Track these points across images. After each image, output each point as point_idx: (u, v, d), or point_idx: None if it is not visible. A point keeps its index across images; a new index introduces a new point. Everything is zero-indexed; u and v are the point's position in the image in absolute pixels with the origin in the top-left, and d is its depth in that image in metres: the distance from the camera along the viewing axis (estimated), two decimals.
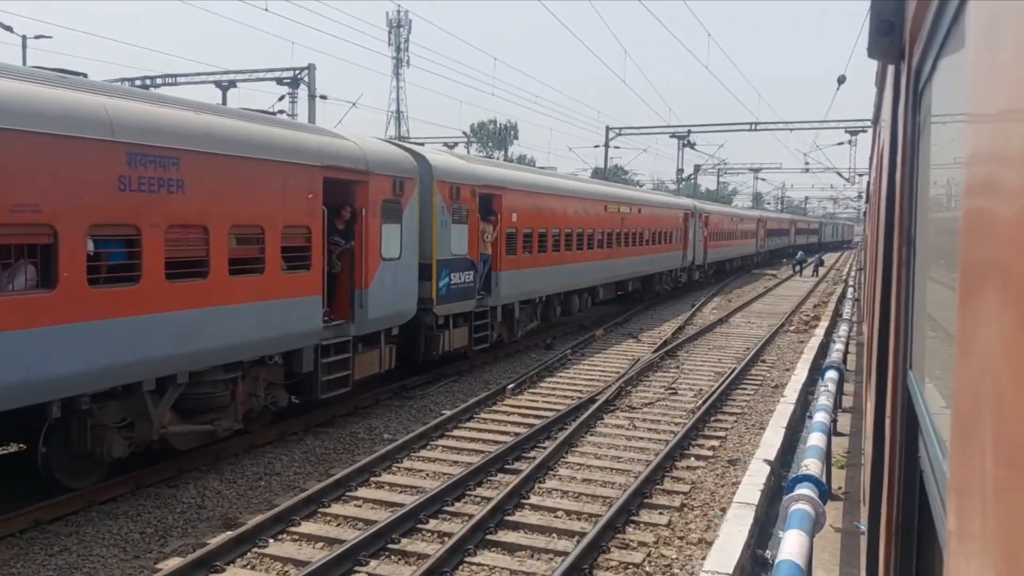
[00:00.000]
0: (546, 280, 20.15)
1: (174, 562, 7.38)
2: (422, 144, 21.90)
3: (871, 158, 11.49)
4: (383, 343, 13.66)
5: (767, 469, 9.25)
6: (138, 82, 32.62)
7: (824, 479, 7.27)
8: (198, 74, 33.66)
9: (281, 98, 32.72)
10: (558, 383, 16.03)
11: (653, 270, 30.18)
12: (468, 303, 16.36)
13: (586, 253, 22.84)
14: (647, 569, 7.75)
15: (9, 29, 30.76)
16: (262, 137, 10.61)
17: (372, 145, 13.61)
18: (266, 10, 28.58)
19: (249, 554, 7.78)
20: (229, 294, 9.91)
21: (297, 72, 32.18)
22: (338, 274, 12.65)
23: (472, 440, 11.85)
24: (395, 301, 13.62)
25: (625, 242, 26.22)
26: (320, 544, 8.07)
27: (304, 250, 11.31)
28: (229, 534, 7.96)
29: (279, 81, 32.65)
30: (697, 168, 65.38)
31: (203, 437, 10.32)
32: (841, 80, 24.44)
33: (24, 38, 31.37)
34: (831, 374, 11.04)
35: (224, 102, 31.43)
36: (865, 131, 42.94)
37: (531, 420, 12.88)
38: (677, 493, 9.80)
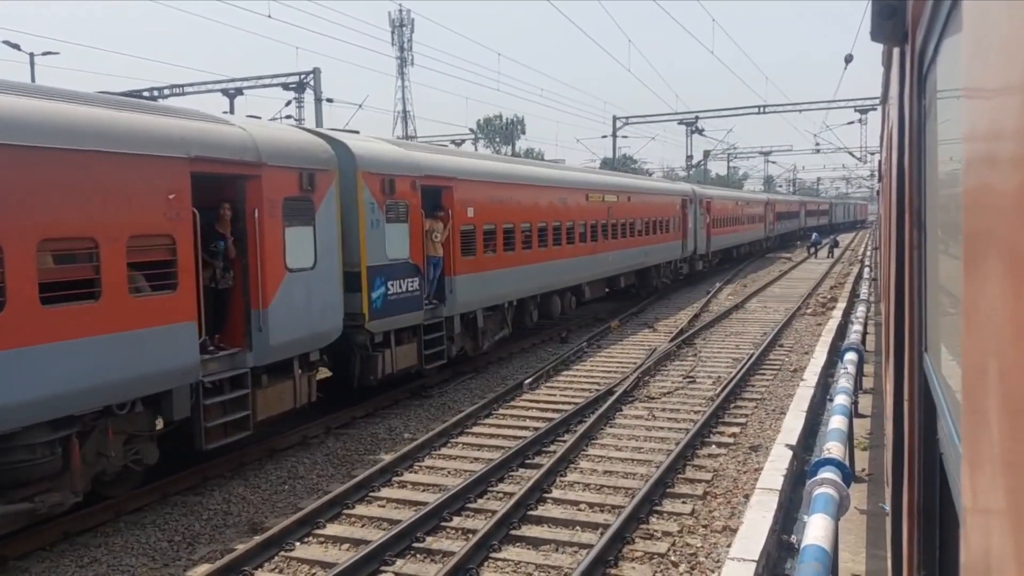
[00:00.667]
0: (516, 282, 17.80)
1: (203, 569, 7.46)
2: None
3: (881, 137, 11.41)
4: (297, 372, 11.28)
5: (789, 454, 9.22)
6: (145, 94, 32.82)
7: (847, 462, 7.25)
8: (204, 83, 33.85)
9: (288, 103, 32.87)
10: (575, 376, 16.03)
11: (649, 263, 27.77)
12: (413, 315, 13.89)
13: (565, 249, 20.54)
14: (672, 558, 7.75)
15: (16, 47, 31.03)
16: (89, 123, 8.25)
17: (267, 131, 11.30)
18: (269, 16, 28.69)
19: (276, 558, 7.85)
20: (42, 330, 7.62)
21: (303, 77, 32.29)
22: (229, 291, 10.55)
23: (492, 436, 11.89)
24: (310, 320, 11.30)
25: (613, 234, 23.92)
26: (346, 545, 8.13)
27: (166, 266, 9.08)
28: (256, 539, 8.03)
29: (285, 86, 32.78)
30: (706, 154, 65.11)
31: (23, 518, 7.96)
32: (848, 59, 24.24)
33: (32, 55, 31.64)
34: (850, 356, 11.00)
35: (232, 110, 31.59)
36: (875, 109, 42.60)
37: (550, 414, 12.89)
38: (699, 481, 9.80)
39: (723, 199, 41.08)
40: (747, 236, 47.37)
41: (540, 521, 8.64)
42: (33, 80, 29.30)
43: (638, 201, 26.55)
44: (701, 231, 34.60)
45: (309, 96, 32.51)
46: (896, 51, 2.86)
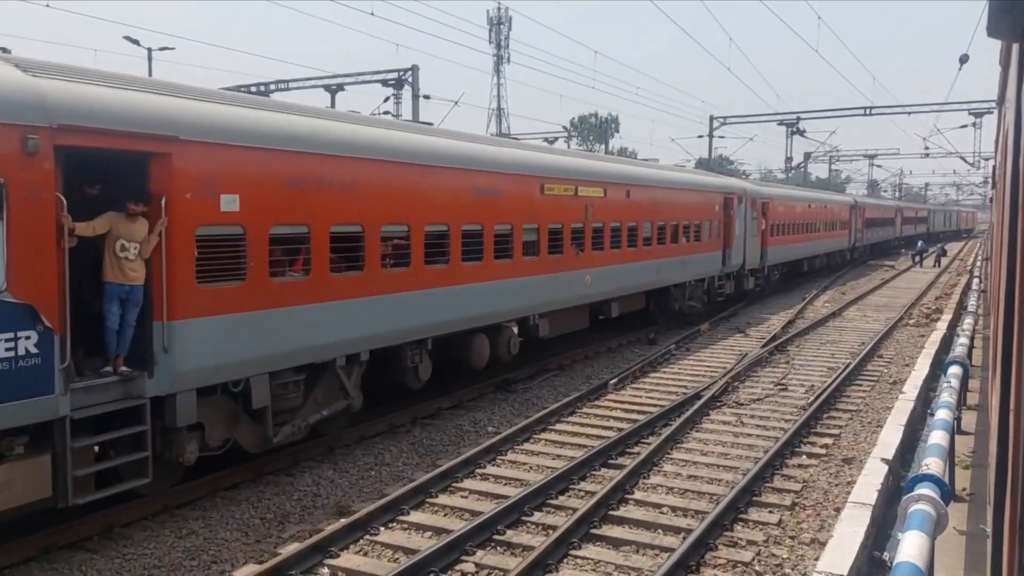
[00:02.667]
0: (366, 318, 10.84)
1: (292, 547, 7.72)
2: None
3: (996, 141, 10.83)
4: None
5: (884, 468, 8.88)
6: (252, 89, 34.13)
7: (947, 479, 6.94)
8: (308, 79, 34.91)
9: (386, 99, 33.57)
10: (662, 378, 15.84)
11: (665, 281, 20.82)
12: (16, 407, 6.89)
13: (490, 266, 13.47)
14: (757, 568, 7.58)
15: (136, 43, 32.74)
16: None
17: None
18: (372, 14, 29.36)
19: (361, 541, 8.06)
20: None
21: (401, 73, 32.91)
22: None
23: (575, 434, 11.87)
24: None
25: (597, 243, 17.08)
26: (428, 533, 8.27)
27: None
28: (343, 521, 8.26)
29: (384, 83, 33.48)
30: (807, 156, 63.15)
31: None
32: (964, 59, 23.10)
33: (150, 50, 33.33)
34: (954, 369, 10.52)
35: (333, 105, 32.50)
36: (990, 112, 40.44)
37: (634, 415, 12.78)
38: (788, 492, 9.54)
39: (787, 200, 33.24)
40: (823, 246, 39.51)
41: (621, 522, 8.58)
42: (150, 74, 30.88)
43: (643, 198, 19.36)
44: (753, 239, 27.42)
45: (407, 93, 33.15)
46: (1016, 48, 2.72)
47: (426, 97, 32.78)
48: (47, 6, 30.05)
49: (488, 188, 13.49)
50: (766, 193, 30.37)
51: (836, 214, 42.00)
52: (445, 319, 12.54)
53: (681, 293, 22.26)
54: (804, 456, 10.94)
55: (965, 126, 47.10)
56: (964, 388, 11.79)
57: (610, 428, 12.12)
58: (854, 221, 46.11)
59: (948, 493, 5.67)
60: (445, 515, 8.79)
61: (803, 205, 35.45)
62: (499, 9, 67.73)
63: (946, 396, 9.05)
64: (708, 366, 16.90)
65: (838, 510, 8.53)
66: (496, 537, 8.11)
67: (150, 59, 33.30)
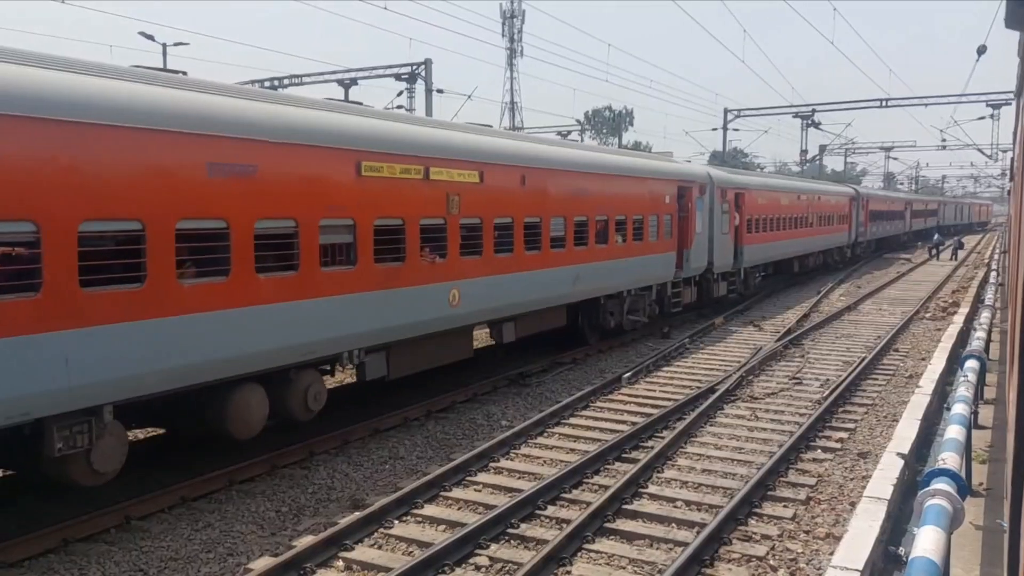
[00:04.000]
0: None
1: (307, 539, 7.77)
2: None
3: (1015, 133, 10.72)
4: None
5: (900, 463, 8.83)
6: (266, 83, 34.23)
7: (964, 474, 6.90)
8: (321, 73, 34.97)
9: (399, 93, 33.60)
10: (676, 372, 15.80)
11: (588, 292, 16.56)
12: None
13: (248, 286, 8.97)
14: (771, 562, 7.56)
15: (151, 38, 32.88)
16: None
17: None
18: (385, 8, 29.36)
19: (376, 534, 8.09)
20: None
21: (414, 67, 32.93)
22: None
23: (588, 428, 11.87)
24: None
25: (474, 245, 12.88)
26: (442, 526, 8.30)
27: None
28: (357, 514, 8.30)
29: (398, 77, 33.51)
30: (823, 148, 62.76)
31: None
32: (981, 50, 22.83)
33: (164, 46, 33.47)
34: (971, 363, 10.45)
35: (346, 99, 32.53)
36: (1008, 104, 40.03)
37: (648, 409, 12.76)
38: (803, 486, 9.50)
39: (769, 190, 28.65)
40: (817, 243, 34.99)
41: (635, 516, 8.58)
42: (165, 67, 31.01)
43: (550, 186, 14.89)
44: (724, 237, 23.22)
45: (420, 87, 33.16)
46: None
47: (439, 91, 32.79)
48: (62, 2, 30.16)
49: (233, 165, 8.70)
50: (739, 182, 25.28)
51: (833, 207, 37.54)
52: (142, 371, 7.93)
53: (618, 305, 18.17)
54: (819, 450, 10.89)
55: (983, 118, 46.60)
56: (981, 382, 11.70)
57: (624, 422, 12.11)
58: (855, 214, 41.60)
59: (964, 488, 5.63)
60: (459, 508, 8.81)
61: (790, 196, 30.68)
62: (512, 3, 67.63)
63: (963, 390, 8.98)
64: (722, 360, 16.84)
65: (853, 504, 8.49)
66: (510, 531, 8.12)
67: (165, 54, 33.44)
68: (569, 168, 15.76)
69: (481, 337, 16.26)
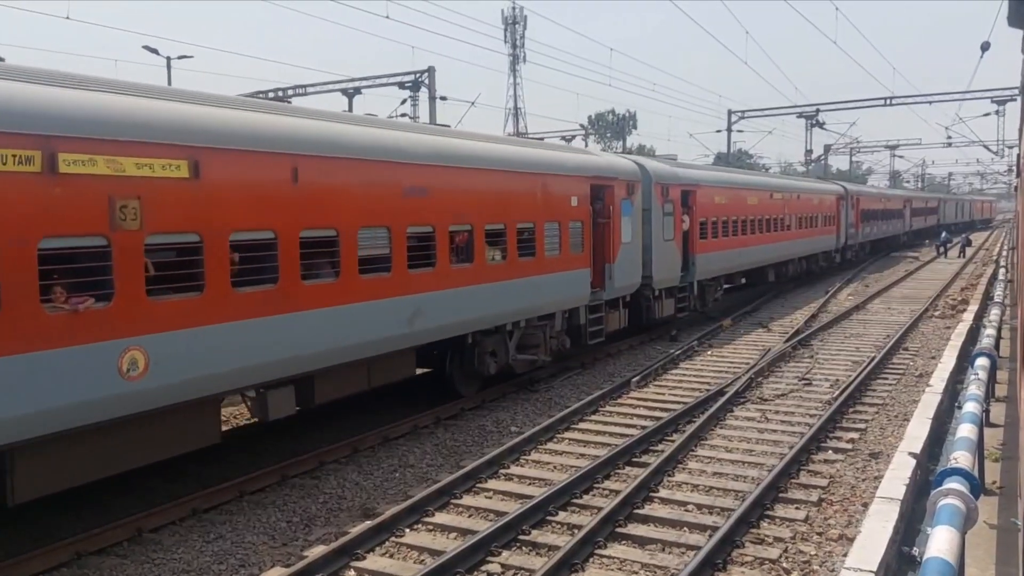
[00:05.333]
0: None
1: (318, 549, 7.77)
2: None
3: (1020, 129, 10.68)
4: None
5: (912, 462, 8.78)
6: (270, 94, 34.36)
7: (976, 472, 6.86)
8: (325, 83, 35.11)
9: (403, 101, 33.69)
10: (684, 375, 15.77)
11: (448, 330, 12.27)
12: None
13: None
14: (784, 565, 7.53)
15: (155, 52, 33.05)
16: None
17: None
18: (387, 17, 29.48)
19: (387, 543, 8.09)
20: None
21: (418, 75, 33.01)
22: None
23: (598, 433, 11.85)
24: None
25: (301, 271, 9.58)
26: (453, 534, 8.29)
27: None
28: (368, 523, 8.30)
29: (401, 85, 33.59)
30: (827, 148, 62.65)
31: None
32: (985, 47, 22.79)
33: (169, 59, 33.63)
34: (982, 361, 10.39)
35: (350, 109, 32.66)
36: (1014, 100, 39.91)
37: (658, 413, 12.73)
38: (814, 487, 9.46)
39: (730, 187, 23.89)
40: (796, 248, 30.43)
41: (646, 520, 8.55)
42: (169, 82, 31.20)
43: (350, 182, 10.38)
44: (667, 245, 19.14)
45: (424, 94, 33.24)
46: None
47: (443, 98, 32.85)
48: (66, 18, 30.41)
49: None
50: (688, 177, 20.94)
51: (817, 206, 33.24)
52: None
53: (501, 342, 13.72)
54: (830, 451, 10.84)
55: (988, 114, 46.52)
56: (992, 380, 11.64)
57: (633, 426, 12.08)
58: (844, 214, 37.41)
59: (977, 487, 5.60)
60: (470, 516, 8.80)
61: (761, 195, 26.59)
62: (514, 9, 67.78)
63: (974, 388, 8.94)
64: (731, 362, 16.80)
65: (866, 505, 8.45)
66: (521, 537, 8.10)
67: (169, 68, 33.61)
68: (391, 158, 10.93)
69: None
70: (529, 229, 14.04)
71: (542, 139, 17.52)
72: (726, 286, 25.98)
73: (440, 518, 8.68)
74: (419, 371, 13.30)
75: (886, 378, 15.19)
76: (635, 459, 10.47)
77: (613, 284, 16.85)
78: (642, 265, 18.10)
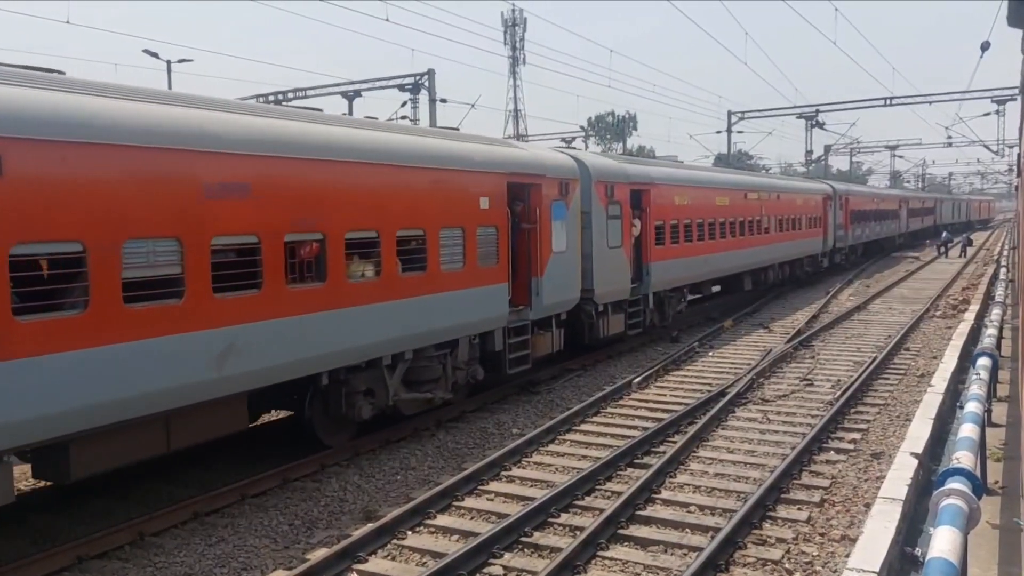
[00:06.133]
0: None
1: (321, 552, 7.76)
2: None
3: (1020, 128, 10.69)
4: None
5: (914, 462, 8.77)
6: (271, 98, 34.41)
7: (979, 472, 6.85)
8: (326, 86, 35.14)
9: (403, 104, 33.73)
10: (686, 376, 15.76)
11: (295, 367, 9.53)
12: None
13: None
14: (787, 566, 7.52)
15: (155, 56, 33.09)
16: None
17: None
18: (387, 20, 29.52)
19: (389, 545, 8.08)
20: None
21: (418, 78, 33.07)
22: None
23: (599, 434, 11.84)
24: None
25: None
26: (455, 536, 8.28)
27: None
28: (370, 526, 8.29)
29: (401, 88, 33.66)
30: (827, 149, 62.68)
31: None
32: (985, 47, 22.79)
33: (169, 63, 33.67)
34: (983, 361, 10.39)
35: (350, 111, 32.70)
36: (1014, 100, 39.93)
37: (659, 414, 12.73)
38: (816, 488, 9.45)
39: (692, 185, 21.31)
40: (776, 252, 28.03)
41: (648, 521, 8.55)
42: (170, 86, 31.23)
43: (119, 177, 7.54)
44: (613, 252, 16.71)
45: (424, 97, 33.27)
46: None
47: (443, 101, 32.90)
48: (67, 22, 30.46)
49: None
50: (638, 174, 18.24)
51: (800, 207, 30.76)
52: None
53: (378, 379, 11.00)
54: (832, 452, 10.84)
55: (988, 114, 46.56)
56: (994, 380, 11.63)
57: (635, 427, 12.07)
58: (832, 215, 35.07)
59: (980, 487, 5.60)
60: (472, 518, 8.80)
61: (733, 195, 24.07)
62: (513, 11, 67.85)
63: (976, 388, 8.93)
64: (732, 363, 16.79)
65: (868, 506, 8.44)
66: (523, 539, 8.10)
67: (169, 71, 33.65)
68: (183, 145, 8.19)
69: None
70: (417, 237, 11.36)
71: (457, 128, 13.73)
72: (694, 296, 24.09)
73: (442, 520, 8.68)
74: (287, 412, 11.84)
75: (887, 378, 15.18)
76: (637, 460, 10.46)
77: (541, 301, 14.12)
78: (581, 277, 15.53)
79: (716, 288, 25.67)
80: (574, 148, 19.17)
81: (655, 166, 21.18)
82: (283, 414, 12.50)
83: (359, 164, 10.39)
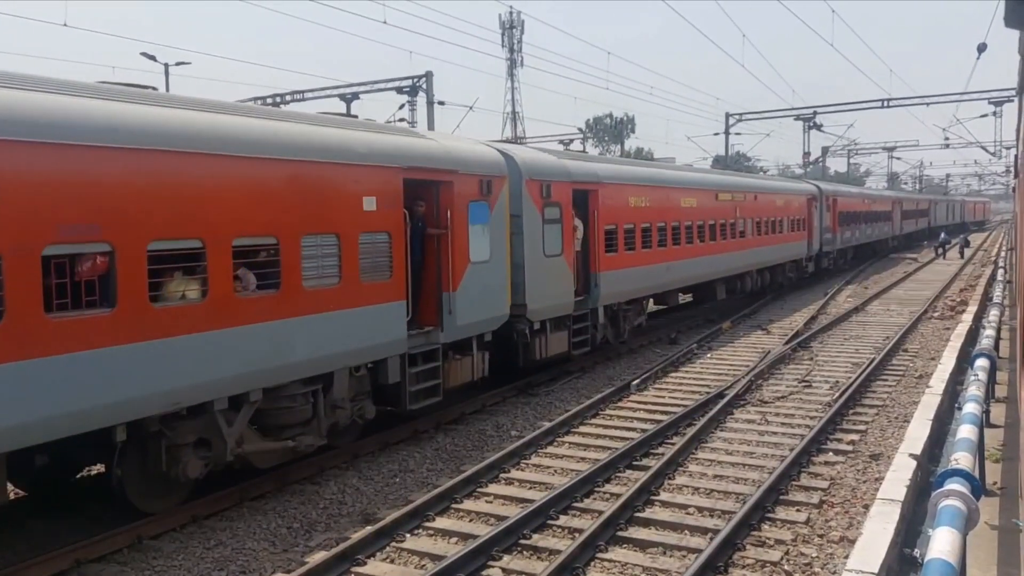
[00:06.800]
0: None
1: (319, 555, 7.75)
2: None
3: (1017, 129, 10.70)
4: None
5: (913, 464, 8.78)
6: (269, 100, 34.41)
7: (977, 473, 6.86)
8: (323, 88, 35.15)
9: (401, 106, 33.75)
10: (684, 378, 15.76)
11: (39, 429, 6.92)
12: None
13: None
14: (786, 567, 7.52)
15: (153, 59, 33.10)
16: None
17: None
18: (384, 22, 29.53)
19: (388, 548, 8.07)
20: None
21: (415, 80, 33.08)
22: None
23: (599, 436, 11.84)
24: None
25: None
26: (454, 539, 8.28)
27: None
28: (369, 529, 8.29)
29: (399, 90, 33.67)
30: (825, 150, 62.77)
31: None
32: (982, 48, 22.85)
33: (166, 66, 33.67)
34: (981, 362, 10.41)
35: (348, 113, 32.69)
36: (1011, 101, 39.99)
37: (658, 416, 12.73)
38: (815, 489, 9.46)
39: (649, 185, 18.91)
40: (753, 258, 25.86)
41: (647, 523, 8.54)
42: (168, 89, 31.24)
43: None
44: (552, 262, 14.65)
45: (421, 99, 33.29)
46: None
47: (441, 103, 32.93)
48: (64, 25, 30.48)
49: None
50: (583, 172, 15.95)
51: (782, 208, 28.70)
52: None
53: (211, 427, 8.74)
54: (831, 453, 10.84)
55: (985, 115, 46.58)
56: (992, 381, 11.65)
57: (633, 429, 12.07)
58: (818, 217, 32.99)
59: (978, 488, 5.61)
60: (470, 520, 8.79)
61: (700, 195, 21.83)
62: (511, 13, 67.89)
63: (974, 389, 8.95)
64: (731, 364, 16.80)
65: (867, 507, 8.44)
66: (522, 541, 8.09)
67: (167, 74, 33.65)
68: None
69: None
70: (266, 247, 9.13)
71: (350, 116, 11.88)
72: (659, 307, 22.30)
73: (441, 523, 8.67)
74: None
75: (886, 380, 15.19)
76: (635, 462, 10.46)
77: (455, 321, 11.94)
78: (511, 291, 13.44)
79: (681, 299, 23.65)
80: (509, 144, 16.30)
81: (605, 163, 18.63)
82: None
83: (169, 154, 7.93)
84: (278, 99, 34.63)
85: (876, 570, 6.21)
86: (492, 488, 9.72)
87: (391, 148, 11.01)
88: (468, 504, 9.21)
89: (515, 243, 13.69)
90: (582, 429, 12.24)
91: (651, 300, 20.56)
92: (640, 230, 18.17)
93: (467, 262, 12.25)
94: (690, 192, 21.29)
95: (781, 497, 9.16)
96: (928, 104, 44.72)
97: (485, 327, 12.93)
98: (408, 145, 11.49)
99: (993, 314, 16.27)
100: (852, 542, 7.50)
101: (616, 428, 12.24)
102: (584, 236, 15.98)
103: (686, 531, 8.33)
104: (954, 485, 5.19)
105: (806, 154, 56.38)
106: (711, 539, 7.86)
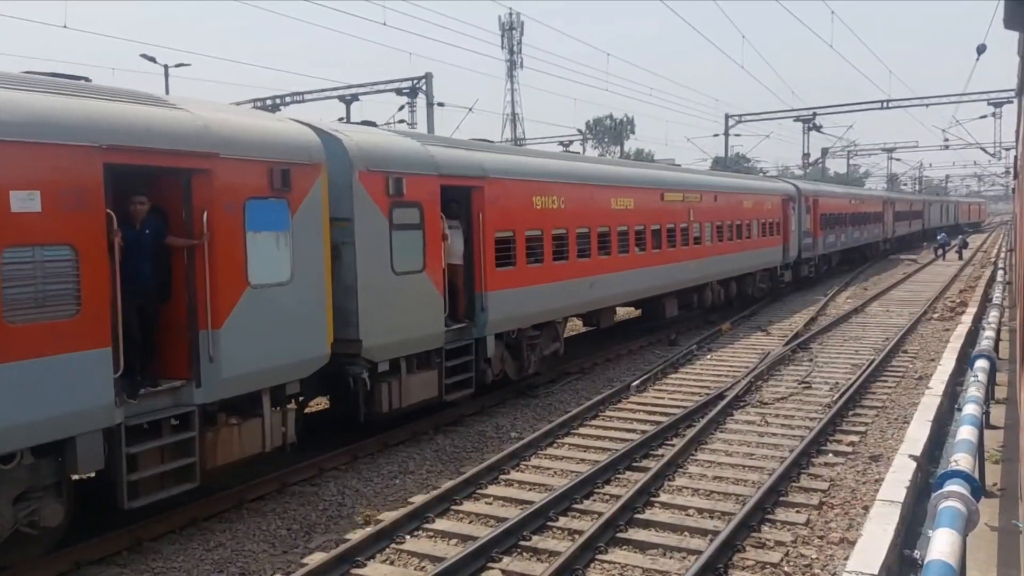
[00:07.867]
0: None
1: (319, 557, 7.75)
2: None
3: (1017, 131, 10.70)
4: None
5: (913, 465, 8.78)
6: (268, 102, 34.42)
7: (977, 475, 6.86)
8: (322, 90, 35.16)
9: (401, 108, 33.78)
10: (684, 379, 15.76)
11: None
12: None
13: None
14: (786, 569, 7.52)
15: (152, 60, 33.12)
16: None
17: None
18: (384, 24, 29.56)
19: (388, 550, 8.07)
20: None
21: (415, 82, 33.10)
22: None
23: (598, 438, 11.84)
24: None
25: None
26: (454, 540, 8.27)
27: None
28: (368, 530, 8.28)
29: (399, 92, 33.69)
30: (825, 151, 62.74)
31: None
32: (981, 49, 22.84)
33: (166, 67, 33.69)
34: (981, 363, 10.41)
35: (348, 115, 32.72)
36: (1010, 102, 40.01)
37: (658, 417, 12.73)
38: (815, 491, 9.45)
39: (565, 181, 15.48)
40: (715, 267, 22.75)
41: (647, 525, 8.54)
42: (167, 91, 31.24)
43: None
44: (415, 282, 11.35)
45: (421, 101, 33.31)
46: None
47: (440, 104, 32.96)
48: (64, 27, 30.43)
49: None
50: (459, 163, 12.64)
51: (750, 210, 25.52)
52: None
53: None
54: (830, 454, 10.83)
55: (984, 116, 46.61)
56: (991, 382, 11.64)
57: (633, 431, 12.07)
58: (796, 220, 29.71)
59: (978, 489, 5.61)
60: (470, 522, 8.78)
61: (640, 195, 18.32)
62: (511, 14, 67.94)
63: (973, 390, 8.95)
64: (730, 366, 16.79)
65: (867, 508, 8.44)
66: (522, 543, 8.08)
67: (167, 76, 33.67)
68: None
69: None
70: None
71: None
72: (590, 327, 19.35)
73: (441, 524, 8.66)
74: None
75: (885, 381, 15.19)
76: (635, 464, 10.45)
77: (219, 372, 8.39)
78: (331, 322, 9.92)
79: (638, 312, 21.50)
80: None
81: (497, 152, 14.66)
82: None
83: None
84: (278, 101, 34.64)
85: (876, 571, 6.21)
86: (492, 489, 9.72)
87: (74, 117, 7.17)
88: (468, 506, 9.20)
89: (344, 257, 10.32)
90: (582, 430, 12.23)
91: (579, 321, 17.74)
92: (551, 237, 14.74)
93: (243, 286, 8.67)
94: (624, 191, 17.64)
95: (781, 498, 9.15)
96: (928, 105, 44.75)
97: (284, 376, 9.37)
98: (112, 113, 7.61)
99: (993, 315, 16.27)
100: (852, 543, 7.50)
101: (616, 429, 12.23)
102: (467, 246, 12.79)
103: (686, 532, 8.32)
104: (954, 486, 5.20)
105: (806, 155, 56.40)
106: (711, 540, 7.86)
